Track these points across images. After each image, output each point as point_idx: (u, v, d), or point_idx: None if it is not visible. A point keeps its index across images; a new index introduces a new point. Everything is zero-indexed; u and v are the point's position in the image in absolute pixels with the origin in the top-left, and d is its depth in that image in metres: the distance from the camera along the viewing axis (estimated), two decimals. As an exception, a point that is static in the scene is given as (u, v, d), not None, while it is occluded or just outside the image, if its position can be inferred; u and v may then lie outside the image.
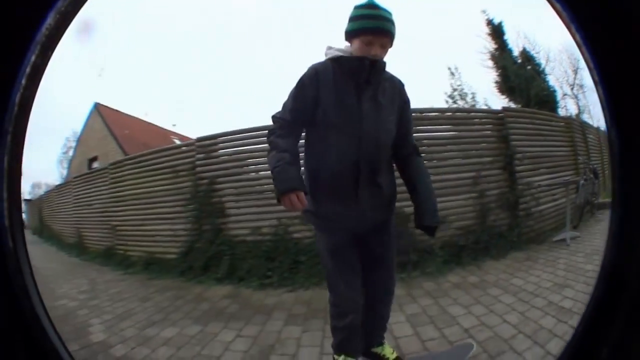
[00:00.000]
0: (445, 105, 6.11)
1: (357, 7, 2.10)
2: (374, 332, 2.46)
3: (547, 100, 6.30)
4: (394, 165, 2.36)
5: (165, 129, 12.32)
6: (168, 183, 7.34)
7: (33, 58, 0.95)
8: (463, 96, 5.85)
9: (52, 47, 1.01)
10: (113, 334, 3.90)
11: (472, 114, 6.05)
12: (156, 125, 14.30)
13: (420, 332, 3.16)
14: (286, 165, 2.01)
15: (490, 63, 5.98)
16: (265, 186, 6.28)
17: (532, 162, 5.32)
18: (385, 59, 2.16)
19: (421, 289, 4.17)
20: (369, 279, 2.32)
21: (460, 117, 5.79)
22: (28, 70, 0.95)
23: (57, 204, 11.88)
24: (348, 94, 2.10)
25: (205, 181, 6.62)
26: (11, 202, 1.01)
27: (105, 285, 6.46)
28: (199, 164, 6.81)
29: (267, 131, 2.21)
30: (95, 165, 10.54)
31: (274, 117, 2.22)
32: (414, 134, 2.46)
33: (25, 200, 17.92)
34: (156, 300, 5.07)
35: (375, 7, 2.06)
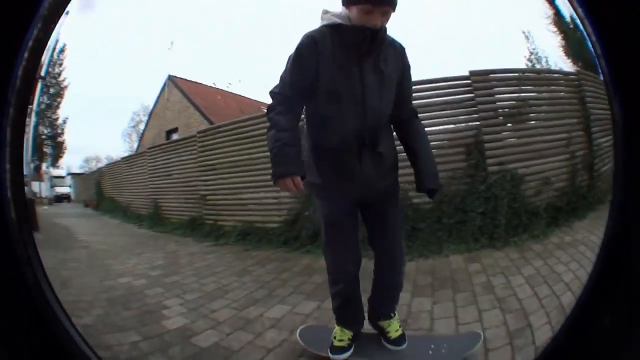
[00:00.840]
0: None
1: None
2: (381, 303, 2.82)
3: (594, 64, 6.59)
4: (393, 130, 2.62)
5: (249, 98, 13.77)
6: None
7: (36, 32, 1.09)
8: (539, 59, 6.02)
9: (54, 21, 1.16)
10: (200, 317, 3.92)
11: (549, 74, 6.25)
12: (239, 95, 15.68)
13: (538, 292, 3.54)
14: (284, 146, 2.29)
15: (554, 28, 5.97)
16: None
17: (602, 125, 5.36)
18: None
19: (531, 251, 4.61)
20: (375, 247, 2.69)
21: (542, 78, 6.13)
22: (30, 44, 1.09)
23: (126, 175, 13.41)
24: (349, 64, 2.32)
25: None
26: (14, 174, 1.13)
27: (189, 259, 6.64)
28: None
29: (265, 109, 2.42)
30: (175, 136, 11.62)
31: (272, 93, 2.44)
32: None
33: (76, 174, 19.99)
34: (256, 274, 5.23)
35: None
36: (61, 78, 13.90)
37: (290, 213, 7.39)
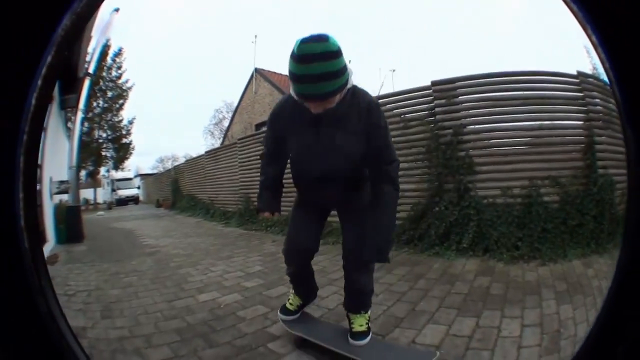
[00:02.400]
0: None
1: (291, 56, 2.74)
2: (348, 297, 3.66)
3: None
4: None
5: None
6: (396, 135, 7.98)
7: (49, 59, 1.26)
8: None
9: (67, 48, 1.32)
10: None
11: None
12: None
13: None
14: (263, 189, 3.59)
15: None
16: (513, 139, 7.25)
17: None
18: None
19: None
20: (342, 244, 3.58)
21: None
22: (44, 71, 1.25)
23: (209, 170, 14.92)
24: (307, 129, 3.12)
25: (448, 131, 7.42)
26: (27, 203, 1.29)
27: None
28: (439, 111, 7.63)
29: None
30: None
31: (261, 154, 3.71)
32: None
33: (146, 174, 21.70)
34: (387, 283, 5.31)
35: (307, 60, 2.68)
36: (121, 80, 15.60)
37: (416, 209, 7.65)
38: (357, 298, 3.61)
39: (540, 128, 7.12)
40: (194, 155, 17.13)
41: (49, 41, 1.24)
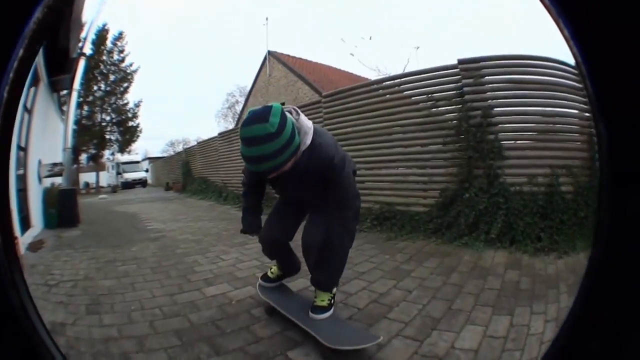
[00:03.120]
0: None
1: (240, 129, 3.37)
2: (312, 276, 4.22)
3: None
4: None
5: (353, 73, 14.71)
6: (421, 115, 8.40)
7: (21, 52, 1.32)
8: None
9: (39, 41, 1.39)
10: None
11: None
12: (342, 69, 17.48)
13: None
14: (245, 214, 4.38)
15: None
16: (538, 125, 7.35)
17: None
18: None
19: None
20: (302, 235, 4.17)
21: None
22: (16, 64, 1.32)
23: (223, 152, 15.19)
24: (273, 180, 3.90)
25: (477, 112, 7.48)
26: None
27: None
28: (467, 91, 7.67)
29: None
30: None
31: (242, 181, 4.43)
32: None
33: (155, 158, 22.32)
34: (419, 277, 5.37)
35: (246, 143, 3.27)
36: (125, 64, 16.58)
37: (444, 195, 7.73)
38: (317, 280, 4.16)
39: (556, 115, 7.28)
40: (206, 138, 17.40)
41: (20, 34, 1.31)
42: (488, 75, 7.71)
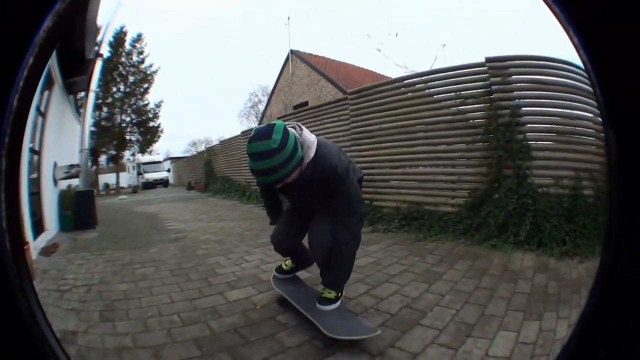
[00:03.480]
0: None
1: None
2: (321, 274, 4.54)
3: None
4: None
5: (376, 72, 14.82)
6: (449, 113, 8.42)
7: (31, 60, 1.36)
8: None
9: (50, 49, 1.44)
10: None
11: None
12: (366, 68, 17.69)
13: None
14: (269, 210, 5.09)
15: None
16: (568, 127, 7.36)
17: None
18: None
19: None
20: (308, 236, 4.56)
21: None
22: (26, 72, 1.36)
23: (244, 151, 14.85)
24: (282, 189, 4.39)
25: (506, 111, 7.51)
26: (9, 205, 1.39)
27: None
28: (495, 89, 7.71)
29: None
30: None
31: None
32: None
33: (177, 158, 22.73)
34: (450, 280, 5.41)
35: (252, 158, 3.74)
36: (145, 65, 17.12)
37: (474, 195, 7.77)
38: (327, 282, 4.47)
39: (577, 118, 7.29)
40: (229, 137, 17.65)
41: (31, 42, 1.35)
42: (514, 75, 7.75)
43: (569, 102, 7.24)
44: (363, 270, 5.84)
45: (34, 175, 8.43)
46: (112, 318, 4.68)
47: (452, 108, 8.39)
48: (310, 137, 4.06)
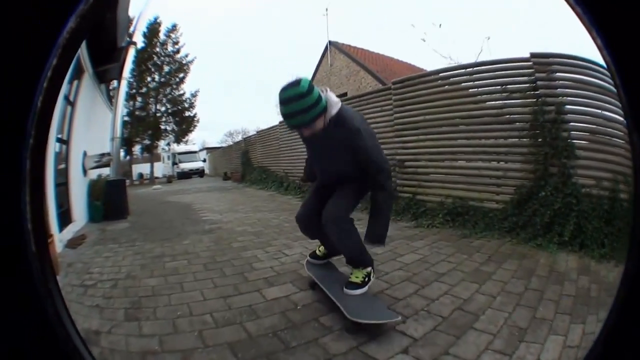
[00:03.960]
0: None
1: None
2: (344, 255, 5.08)
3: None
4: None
5: (415, 65, 14.92)
6: (495, 107, 8.52)
7: (55, 61, 1.42)
8: None
9: (73, 50, 1.49)
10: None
11: None
12: (404, 61, 17.81)
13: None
14: (307, 166, 5.67)
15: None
16: (608, 129, 7.29)
17: None
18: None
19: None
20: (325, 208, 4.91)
21: None
22: (49, 73, 1.41)
23: (285, 140, 15.54)
24: (311, 142, 4.96)
25: (551, 108, 7.55)
26: (34, 206, 1.43)
27: (386, 248, 6.28)
28: (541, 85, 7.75)
29: None
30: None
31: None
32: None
33: (214, 148, 23.13)
34: (500, 280, 5.37)
35: (282, 102, 4.30)
36: (180, 55, 17.62)
37: (520, 192, 7.80)
38: (347, 257, 5.04)
39: (613, 121, 7.10)
40: (267, 127, 17.84)
41: (54, 43, 1.41)
42: (558, 72, 7.76)
43: (606, 105, 7.24)
44: (410, 268, 5.90)
45: (62, 166, 8.58)
46: (137, 317, 4.59)
47: (498, 102, 8.43)
48: (334, 98, 4.65)
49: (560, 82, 7.72)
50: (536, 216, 7.22)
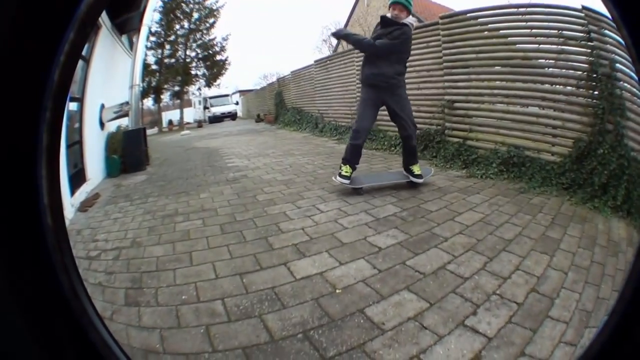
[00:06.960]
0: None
1: None
2: (405, 156, 7.89)
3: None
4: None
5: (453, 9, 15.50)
6: (551, 50, 8.57)
7: (72, 35, 1.47)
8: None
9: (91, 24, 1.54)
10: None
11: None
12: (442, 5, 18.17)
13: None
14: None
15: None
16: None
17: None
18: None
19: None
20: (395, 121, 7.94)
21: None
22: (67, 47, 1.47)
23: (320, 80, 16.07)
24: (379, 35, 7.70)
25: (605, 62, 7.63)
26: (50, 180, 1.50)
27: (438, 203, 6.71)
28: (595, 37, 7.82)
29: None
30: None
31: None
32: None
33: (246, 90, 23.81)
34: (569, 248, 5.19)
35: None
36: (210, 1, 18.30)
37: (578, 145, 7.79)
38: (407, 155, 7.85)
39: None
40: (301, 67, 18.09)
41: (72, 17, 1.44)
42: (607, 31, 7.81)
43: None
44: (473, 232, 5.51)
45: (76, 125, 8.87)
46: (138, 301, 4.19)
47: (554, 46, 8.42)
48: (412, 19, 7.45)
49: (610, 39, 7.78)
50: (594, 175, 7.18)
